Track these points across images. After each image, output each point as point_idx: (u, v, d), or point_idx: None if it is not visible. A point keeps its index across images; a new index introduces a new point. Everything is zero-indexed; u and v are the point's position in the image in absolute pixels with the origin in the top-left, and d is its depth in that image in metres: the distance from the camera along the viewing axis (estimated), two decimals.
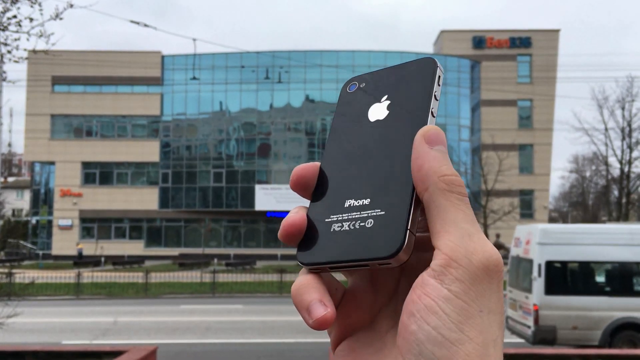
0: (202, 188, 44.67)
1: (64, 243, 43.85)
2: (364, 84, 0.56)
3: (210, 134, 45.12)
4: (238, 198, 44.11)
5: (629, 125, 39.33)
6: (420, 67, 0.53)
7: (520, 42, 44.85)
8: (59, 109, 45.01)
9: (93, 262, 37.73)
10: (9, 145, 78.49)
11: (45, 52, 8.36)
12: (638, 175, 40.89)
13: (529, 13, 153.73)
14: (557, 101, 48.98)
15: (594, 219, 55.97)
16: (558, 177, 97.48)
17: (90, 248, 43.59)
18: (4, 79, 9.98)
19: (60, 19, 8.42)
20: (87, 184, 45.08)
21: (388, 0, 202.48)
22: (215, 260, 37.97)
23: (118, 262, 37.23)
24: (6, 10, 8.19)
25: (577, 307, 11.11)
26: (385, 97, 0.53)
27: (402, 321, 0.44)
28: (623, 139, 39.52)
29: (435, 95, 0.51)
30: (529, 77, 44.92)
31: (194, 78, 44.44)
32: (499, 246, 33.94)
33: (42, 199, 46.73)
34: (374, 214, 0.48)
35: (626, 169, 39.52)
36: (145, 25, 17.52)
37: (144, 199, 44.69)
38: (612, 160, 46.60)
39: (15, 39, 8.26)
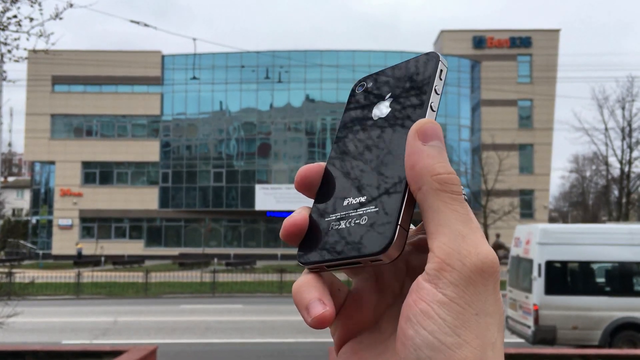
0: (202, 188, 44.68)
1: (64, 243, 43.86)
2: (371, 84, 0.56)
3: (211, 134, 45.12)
4: (238, 198, 44.12)
5: (629, 125, 39.33)
6: (423, 62, 0.52)
7: (521, 42, 44.84)
8: (59, 109, 45.02)
9: (93, 261, 37.74)
10: (9, 144, 78.54)
11: (45, 51, 8.35)
12: (638, 175, 40.89)
13: (529, 13, 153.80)
14: (557, 101, 49.02)
15: (594, 218, 55.96)
16: (558, 177, 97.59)
17: (90, 248, 43.59)
18: (4, 79, 9.98)
19: (60, 18, 8.41)
20: (87, 184, 45.09)
21: (388, 0, 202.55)
22: (215, 260, 37.98)
23: (118, 261, 37.24)
24: (6, 9, 8.19)
25: (577, 307, 11.11)
26: (389, 94, 0.53)
27: (400, 326, 0.44)
28: (623, 138, 39.53)
29: (435, 89, 0.50)
30: (529, 77, 44.91)
31: (194, 78, 44.45)
32: (499, 246, 33.95)
33: (42, 199, 46.73)
34: (369, 211, 0.48)
35: (626, 169, 39.52)
36: (146, 25, 17.51)
37: (144, 199, 44.70)
38: (612, 160, 46.63)
39: (15, 39, 8.25)
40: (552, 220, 62.08)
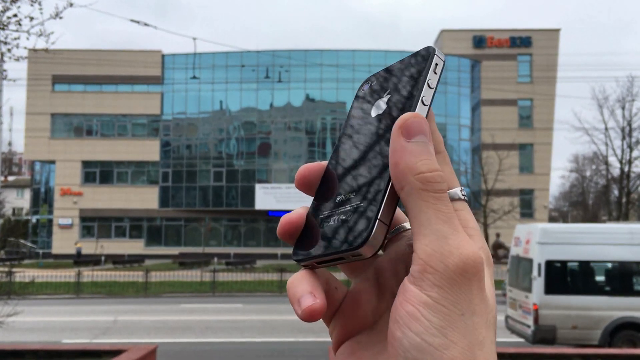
0: (202, 187, 44.69)
1: (64, 242, 43.86)
2: (373, 82, 0.56)
3: (211, 133, 45.13)
4: (238, 197, 44.12)
5: (629, 124, 39.34)
6: (420, 57, 0.52)
7: (521, 41, 44.82)
8: (59, 108, 45.02)
9: (93, 261, 37.75)
10: (9, 144, 78.53)
11: (46, 50, 8.35)
12: (638, 175, 40.90)
13: (529, 12, 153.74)
14: (558, 101, 49.04)
15: (594, 218, 55.95)
16: (558, 176, 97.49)
17: (90, 247, 43.59)
18: (4, 78, 9.99)
19: (60, 17, 8.41)
20: (87, 183, 45.10)
21: None
22: (216, 260, 37.98)
23: (118, 261, 37.26)
24: (6, 9, 8.19)
25: (577, 307, 11.11)
26: (387, 91, 0.53)
27: (389, 328, 0.44)
28: (623, 138, 39.54)
29: (428, 83, 0.49)
30: (529, 77, 44.90)
31: (194, 77, 44.45)
32: (499, 245, 33.97)
33: (43, 198, 46.75)
34: (354, 207, 0.48)
35: (626, 169, 39.53)
36: (146, 25, 17.50)
37: (144, 198, 44.71)
38: (612, 160, 46.68)
39: (15, 38, 8.25)
40: (552, 219, 62.09)
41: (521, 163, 44.17)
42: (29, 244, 46.34)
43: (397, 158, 0.46)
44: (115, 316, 17.22)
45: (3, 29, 8.15)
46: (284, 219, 0.52)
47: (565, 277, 11.59)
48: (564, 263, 11.51)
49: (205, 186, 44.64)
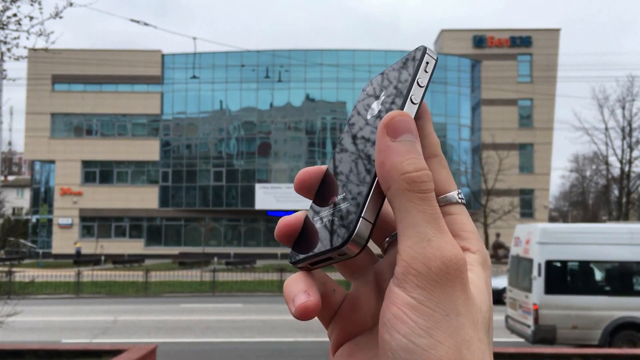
0: (202, 187, 44.68)
1: (64, 242, 43.86)
2: (372, 84, 0.56)
3: (211, 133, 45.12)
4: (238, 197, 44.12)
5: (629, 124, 39.36)
6: (412, 56, 0.52)
7: (521, 41, 44.82)
8: (59, 108, 45.02)
9: (93, 260, 37.76)
10: (9, 143, 78.53)
11: (45, 50, 8.34)
12: (638, 175, 40.90)
13: (529, 12, 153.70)
14: (558, 100, 49.04)
15: (594, 218, 55.95)
16: (558, 176, 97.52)
17: (90, 247, 43.59)
18: (4, 77, 9.98)
19: (60, 17, 8.41)
20: (87, 183, 45.10)
21: None
22: (215, 259, 37.98)
23: (118, 260, 37.27)
24: (6, 8, 8.19)
25: (577, 307, 11.11)
26: (382, 92, 0.53)
27: (379, 331, 0.44)
28: (623, 138, 39.55)
29: (418, 82, 0.49)
30: (529, 77, 44.90)
31: (194, 77, 44.45)
32: (499, 245, 33.98)
33: (42, 198, 46.74)
34: (343, 207, 0.49)
35: (626, 169, 39.55)
36: (146, 24, 17.49)
37: (144, 198, 44.70)
38: (613, 160, 46.64)
39: (15, 38, 8.25)
40: (552, 219, 62.09)
41: (521, 163, 44.18)
42: (29, 244, 46.34)
43: (383, 158, 0.45)
44: (115, 316, 17.22)
45: (3, 28, 8.15)
46: (281, 221, 0.52)
47: (565, 277, 11.59)
48: (564, 263, 11.51)
49: (205, 186, 44.64)
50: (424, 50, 0.51)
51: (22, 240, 46.38)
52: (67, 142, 45.06)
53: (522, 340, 12.02)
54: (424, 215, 0.44)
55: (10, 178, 72.86)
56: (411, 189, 0.44)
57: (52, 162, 45.38)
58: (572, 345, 10.92)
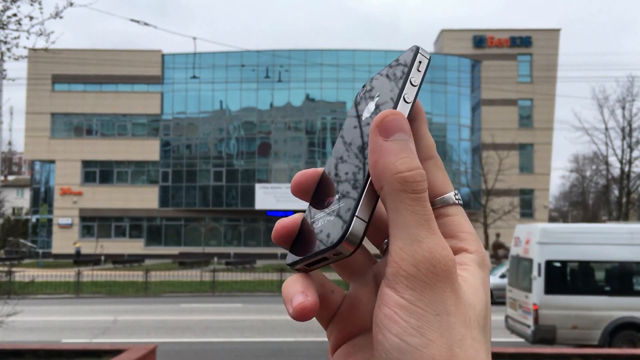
0: (202, 187, 44.68)
1: (64, 242, 43.86)
2: (367, 86, 0.56)
3: (211, 133, 45.12)
4: (238, 197, 44.12)
5: (629, 124, 39.35)
6: (405, 56, 0.52)
7: (521, 41, 44.83)
8: (59, 108, 45.02)
9: (93, 260, 37.76)
10: (9, 143, 78.54)
11: (45, 50, 8.35)
12: (638, 175, 40.90)
13: (529, 12, 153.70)
14: (558, 100, 49.05)
15: (594, 218, 55.95)
16: (558, 176, 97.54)
17: (90, 247, 43.60)
18: (4, 77, 9.99)
19: (60, 17, 8.41)
20: (87, 183, 45.09)
21: None
22: (215, 259, 37.98)
23: (118, 260, 37.28)
24: (6, 8, 8.19)
25: (576, 307, 11.11)
26: (377, 93, 0.53)
27: (373, 332, 0.45)
28: (623, 138, 39.54)
29: (411, 81, 0.49)
30: (529, 77, 44.91)
31: (194, 77, 44.45)
32: (499, 245, 33.95)
33: (42, 198, 46.74)
34: (337, 207, 0.49)
35: (626, 169, 39.54)
36: (146, 24, 17.51)
37: (144, 198, 44.70)
38: (613, 160, 46.63)
39: (15, 37, 8.25)
40: (552, 219, 62.09)
41: (521, 163, 44.18)
42: (29, 244, 46.34)
43: (376, 157, 0.46)
44: (115, 316, 17.22)
45: (3, 28, 8.15)
46: (278, 223, 0.52)
47: (565, 277, 11.59)
48: (564, 263, 11.51)
49: (205, 186, 44.64)
50: (416, 49, 0.51)
51: (22, 240, 46.39)
52: (67, 142, 45.06)
53: (522, 340, 12.02)
54: (415, 216, 0.44)
55: (10, 178, 72.85)
56: (404, 189, 0.44)
57: (52, 162, 45.38)
58: (572, 345, 10.92)
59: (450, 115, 43.79)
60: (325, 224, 0.49)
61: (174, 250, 43.97)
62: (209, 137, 45.15)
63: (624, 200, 39.67)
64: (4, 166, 64.80)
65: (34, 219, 47.22)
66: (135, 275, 27.01)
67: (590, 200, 61.29)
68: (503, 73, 44.11)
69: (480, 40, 44.94)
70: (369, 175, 0.47)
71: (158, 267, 33.85)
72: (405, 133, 0.46)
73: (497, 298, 17.56)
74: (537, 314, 11.05)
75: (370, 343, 0.49)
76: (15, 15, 8.19)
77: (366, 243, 0.51)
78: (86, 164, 45.20)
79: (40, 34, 8.21)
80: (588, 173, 61.43)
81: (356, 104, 0.57)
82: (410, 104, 0.49)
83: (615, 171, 41.51)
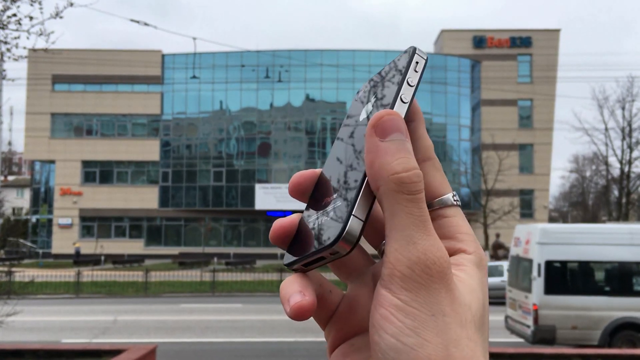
0: (202, 187, 44.68)
1: (64, 242, 43.87)
2: (365, 87, 0.57)
3: (211, 133, 45.13)
4: (238, 197, 44.12)
5: (629, 125, 39.35)
6: (402, 57, 0.53)
7: (521, 41, 44.84)
8: (59, 108, 45.02)
9: (93, 260, 37.76)
10: (9, 143, 78.54)
11: (45, 50, 8.35)
12: (638, 175, 40.90)
13: (529, 12, 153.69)
14: (558, 101, 49.04)
15: (594, 218, 55.98)
16: (558, 176, 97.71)
17: (90, 247, 43.60)
18: (4, 77, 9.99)
19: (61, 17, 8.41)
20: (87, 183, 45.10)
21: None
22: (215, 259, 37.98)
23: (118, 260, 37.28)
24: (6, 8, 8.19)
25: (576, 307, 11.11)
26: (375, 94, 0.53)
27: (369, 332, 0.45)
28: (623, 138, 39.54)
29: (408, 81, 0.50)
30: (529, 77, 44.91)
31: (194, 77, 44.45)
32: (499, 246, 33.95)
33: (42, 198, 46.74)
34: (335, 207, 0.49)
35: (626, 169, 39.54)
36: (146, 24, 17.50)
37: (144, 198, 44.71)
38: (612, 160, 46.72)
39: (15, 37, 8.25)
40: (552, 220, 62.09)
41: (521, 163, 44.18)
42: (29, 244, 46.34)
43: (372, 158, 0.45)
44: (114, 316, 17.22)
45: (3, 28, 8.15)
46: (276, 223, 0.52)
47: (565, 278, 11.59)
48: (563, 263, 11.51)
49: (205, 186, 44.64)
50: (413, 50, 0.51)
51: (22, 240, 46.40)
52: (67, 142, 45.06)
53: (521, 340, 12.03)
54: (410, 217, 0.44)
55: (10, 178, 72.84)
56: (400, 189, 0.44)
57: (52, 162, 45.38)
58: (572, 346, 10.92)
59: (450, 116, 43.79)
60: (322, 224, 0.49)
61: (174, 250, 43.97)
62: (209, 137, 45.15)
63: (624, 200, 39.67)
64: (4, 166, 64.79)
65: (34, 219, 47.21)
66: (135, 275, 27.02)
67: (590, 201, 61.32)
68: (503, 73, 44.11)
69: (480, 40, 44.95)
70: (365, 175, 0.47)
71: (158, 267, 33.85)
72: (402, 133, 0.46)
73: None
74: (537, 314, 11.05)
75: (368, 343, 0.49)
76: (15, 15, 8.20)
77: (364, 244, 0.51)
78: (86, 164, 45.20)
79: (40, 34, 8.22)
80: (588, 173, 61.52)
81: (353, 106, 0.57)
82: (408, 104, 0.49)
83: (615, 171, 41.54)
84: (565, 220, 67.97)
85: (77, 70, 44.38)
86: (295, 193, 0.55)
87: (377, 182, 0.45)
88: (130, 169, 45.48)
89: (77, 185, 44.78)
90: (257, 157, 44.61)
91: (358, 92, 0.58)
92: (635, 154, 39.54)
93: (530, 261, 11.50)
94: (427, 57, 0.52)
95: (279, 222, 0.53)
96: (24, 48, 8.79)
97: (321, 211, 0.51)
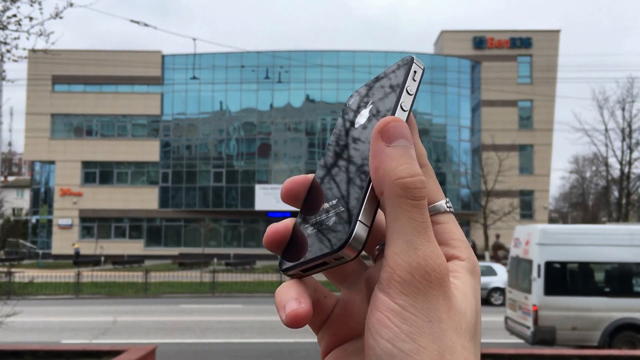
0: (202, 188, 44.68)
1: (64, 242, 43.86)
2: (359, 93, 0.57)
3: (211, 134, 45.13)
4: (238, 198, 44.12)
5: (629, 126, 39.34)
6: (399, 65, 0.53)
7: (521, 42, 44.85)
8: (59, 108, 45.03)
9: (93, 261, 37.76)
10: (9, 144, 78.55)
11: (45, 51, 8.35)
12: (638, 176, 40.90)
13: (529, 13, 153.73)
14: (558, 102, 49.02)
15: (593, 219, 55.97)
16: (558, 177, 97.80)
17: (90, 247, 43.59)
18: (4, 78, 9.99)
19: (60, 17, 8.42)
20: (87, 184, 45.09)
21: (388, 0, 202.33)
22: (215, 260, 37.98)
23: (118, 261, 37.27)
24: (6, 9, 8.19)
25: (576, 308, 11.11)
26: (370, 101, 0.54)
27: (364, 337, 0.45)
28: (623, 139, 39.53)
29: (407, 90, 0.50)
30: (529, 78, 44.91)
31: (194, 78, 44.44)
32: (499, 246, 33.97)
33: (42, 198, 46.74)
34: (336, 212, 0.49)
35: (626, 170, 39.53)
36: (146, 25, 17.50)
37: (144, 199, 44.70)
38: (612, 161, 46.65)
39: (15, 38, 8.25)
40: (552, 221, 62.08)
41: (521, 164, 44.18)
42: (29, 244, 46.33)
43: (377, 163, 0.46)
44: (114, 317, 17.22)
45: (3, 29, 8.15)
46: (270, 228, 0.52)
47: (564, 278, 11.59)
48: (563, 264, 11.51)
49: (205, 187, 44.64)
50: (411, 59, 0.52)
51: (21, 241, 46.38)
52: (67, 143, 45.06)
53: (521, 341, 12.02)
54: (413, 222, 0.44)
55: (10, 178, 72.83)
56: (404, 195, 0.44)
57: (52, 162, 45.38)
58: (572, 347, 10.92)
59: (450, 116, 43.79)
60: (323, 229, 0.49)
61: (174, 251, 43.96)
62: (209, 138, 45.16)
63: (624, 201, 39.66)
64: (4, 167, 64.78)
65: (33, 219, 47.21)
66: (135, 276, 27.01)
67: (590, 202, 61.31)
68: (503, 74, 44.12)
69: (480, 41, 44.96)
70: (370, 181, 0.47)
71: (158, 267, 33.85)
72: (407, 140, 0.47)
73: None
74: (537, 315, 11.05)
75: (361, 348, 0.49)
76: (15, 16, 8.20)
77: None
78: (86, 164, 45.20)
79: (40, 35, 8.22)
80: (588, 174, 61.52)
81: (347, 112, 0.57)
82: (407, 112, 0.50)
83: (615, 172, 41.53)
84: (565, 221, 67.94)
85: (77, 71, 44.39)
86: (288, 199, 0.55)
87: (382, 187, 0.46)
88: (130, 169, 45.48)
89: (77, 185, 44.78)
90: (257, 157, 44.61)
91: (350, 98, 0.58)
92: (635, 154, 39.56)
93: (530, 262, 11.49)
94: (424, 67, 0.52)
95: (273, 227, 0.52)
96: (24, 49, 8.80)
97: (319, 217, 0.51)
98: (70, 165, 44.74)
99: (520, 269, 12.13)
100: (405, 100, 0.50)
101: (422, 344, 0.42)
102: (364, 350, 0.45)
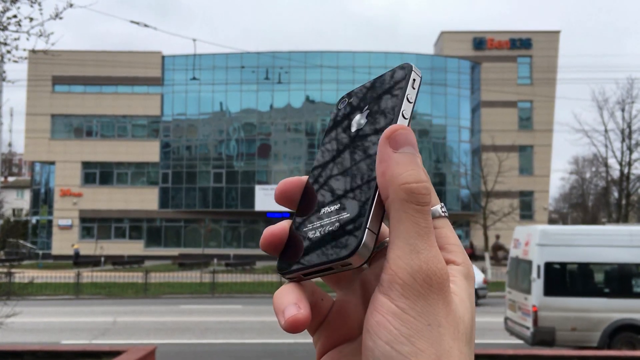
0: (202, 188, 44.69)
1: (64, 243, 43.86)
2: (351, 98, 0.57)
3: (211, 135, 45.14)
4: (238, 198, 44.12)
5: (629, 126, 39.33)
6: (397, 73, 0.53)
7: (521, 43, 44.87)
8: (59, 109, 45.04)
9: (93, 262, 37.76)
10: (9, 145, 78.56)
11: (45, 52, 8.36)
12: (638, 177, 40.89)
13: (529, 14, 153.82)
14: (557, 102, 48.99)
15: (593, 220, 55.98)
16: (558, 178, 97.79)
17: (90, 248, 43.59)
18: (4, 79, 10.00)
19: (60, 18, 8.43)
20: (87, 184, 45.10)
21: (388, 1, 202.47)
22: (215, 261, 37.98)
23: (118, 262, 37.27)
24: (6, 9, 8.20)
25: (576, 309, 11.12)
26: (367, 106, 0.54)
27: (363, 338, 0.46)
28: (623, 140, 39.52)
29: (408, 98, 0.51)
30: (529, 79, 44.93)
31: (194, 78, 44.46)
32: (498, 247, 33.99)
33: (42, 199, 46.74)
34: (341, 217, 0.49)
35: (626, 171, 39.51)
36: (146, 26, 17.54)
37: (144, 199, 44.71)
38: (612, 162, 46.67)
39: (15, 39, 8.26)
40: (551, 221, 62.09)
41: (521, 165, 44.19)
42: (29, 245, 46.33)
43: (384, 168, 0.47)
44: (114, 317, 17.22)
45: (3, 30, 8.16)
46: (267, 231, 0.52)
47: (564, 279, 11.59)
48: (563, 265, 11.51)
49: (205, 187, 44.65)
50: (410, 67, 0.53)
51: (21, 241, 46.37)
52: (67, 143, 45.07)
53: (521, 342, 12.03)
54: (416, 227, 0.45)
55: (10, 179, 72.84)
56: (409, 199, 0.45)
57: (52, 163, 45.39)
58: (571, 347, 10.93)
59: (450, 117, 43.80)
60: (329, 234, 0.49)
61: (174, 251, 43.96)
62: (209, 138, 45.17)
63: (624, 202, 39.66)
64: (4, 167, 64.79)
65: (33, 220, 47.21)
66: (134, 276, 27.01)
67: (590, 202, 61.31)
68: (503, 75, 44.14)
69: (480, 42, 44.98)
70: (377, 188, 0.48)
71: (158, 268, 33.85)
72: (414, 147, 0.47)
73: None
74: (537, 315, 11.05)
75: (357, 350, 0.49)
76: (15, 16, 8.21)
77: None
78: (86, 165, 45.21)
79: (40, 35, 8.23)
80: (588, 175, 61.53)
81: (339, 116, 0.57)
82: (408, 120, 0.50)
83: (615, 173, 41.52)
84: (565, 222, 67.95)
85: (77, 72, 44.40)
86: (282, 200, 0.55)
87: (387, 192, 0.46)
88: (130, 170, 45.49)
89: (77, 186, 44.79)
90: (257, 158, 44.62)
91: (341, 103, 0.58)
92: (635, 155, 39.53)
93: (529, 263, 11.50)
94: (421, 75, 0.53)
95: (269, 230, 0.52)
96: (24, 50, 8.81)
97: (320, 221, 0.51)
98: (70, 166, 44.75)
99: (519, 270, 12.14)
100: (406, 108, 0.51)
101: (420, 346, 0.42)
102: (362, 352, 0.45)
